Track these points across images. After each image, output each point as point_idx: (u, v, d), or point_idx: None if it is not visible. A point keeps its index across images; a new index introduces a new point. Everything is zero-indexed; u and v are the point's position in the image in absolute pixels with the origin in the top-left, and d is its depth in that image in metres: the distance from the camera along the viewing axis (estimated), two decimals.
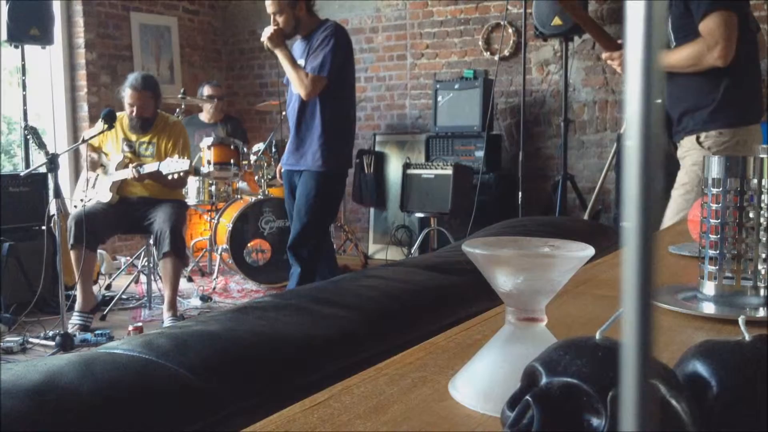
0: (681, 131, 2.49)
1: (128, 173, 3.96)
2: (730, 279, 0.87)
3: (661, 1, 0.20)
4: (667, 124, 2.53)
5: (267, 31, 3.46)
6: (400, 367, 0.66)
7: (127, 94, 4.07)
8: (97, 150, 4.18)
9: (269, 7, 3.47)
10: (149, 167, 3.94)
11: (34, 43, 4.90)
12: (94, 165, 4.15)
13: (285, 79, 3.66)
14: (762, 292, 0.86)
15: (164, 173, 3.88)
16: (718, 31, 2.26)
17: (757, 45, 2.51)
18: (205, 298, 4.47)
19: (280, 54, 3.47)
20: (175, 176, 3.87)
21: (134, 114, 4.06)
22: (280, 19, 3.46)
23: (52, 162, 3.40)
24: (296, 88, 3.47)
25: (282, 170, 3.79)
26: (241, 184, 5.37)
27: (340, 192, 3.72)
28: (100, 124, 3.93)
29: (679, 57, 2.37)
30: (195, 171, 4.87)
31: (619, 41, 2.64)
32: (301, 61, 3.51)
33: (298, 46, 3.61)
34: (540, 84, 5.37)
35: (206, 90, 5.69)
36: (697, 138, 2.44)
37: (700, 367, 0.47)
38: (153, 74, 4.74)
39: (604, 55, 2.64)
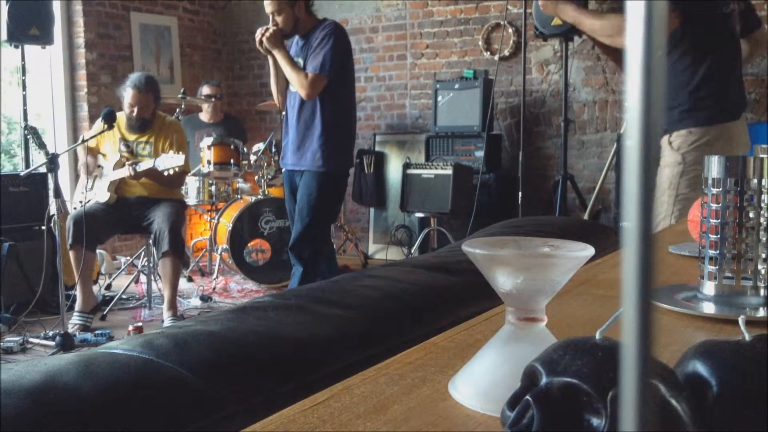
0: None
1: (125, 172, 3.96)
2: (730, 279, 0.87)
3: (661, 1, 0.20)
4: None
5: (260, 32, 3.45)
6: (400, 367, 0.66)
7: (128, 94, 4.06)
8: (94, 151, 4.17)
9: (268, 6, 3.46)
10: (145, 164, 3.94)
11: (34, 43, 4.89)
12: (90, 169, 4.15)
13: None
14: (762, 292, 0.86)
15: (159, 169, 3.87)
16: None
17: (739, 49, 2.53)
18: (205, 298, 4.47)
19: (278, 54, 3.46)
20: (171, 172, 3.86)
21: (135, 114, 4.06)
22: (279, 19, 3.46)
23: (52, 162, 3.40)
24: (296, 88, 3.47)
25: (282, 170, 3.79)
26: (241, 184, 5.37)
27: (342, 192, 3.72)
28: (99, 124, 3.93)
29: (601, 24, 2.44)
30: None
31: None
32: (299, 60, 3.50)
33: (295, 45, 3.61)
34: (540, 84, 5.37)
35: (205, 90, 5.71)
36: (668, 138, 2.45)
37: (700, 367, 0.47)
38: (154, 75, 4.74)
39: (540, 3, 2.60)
